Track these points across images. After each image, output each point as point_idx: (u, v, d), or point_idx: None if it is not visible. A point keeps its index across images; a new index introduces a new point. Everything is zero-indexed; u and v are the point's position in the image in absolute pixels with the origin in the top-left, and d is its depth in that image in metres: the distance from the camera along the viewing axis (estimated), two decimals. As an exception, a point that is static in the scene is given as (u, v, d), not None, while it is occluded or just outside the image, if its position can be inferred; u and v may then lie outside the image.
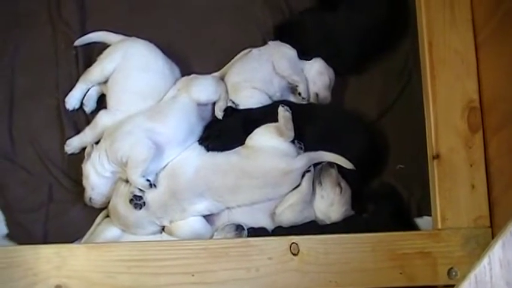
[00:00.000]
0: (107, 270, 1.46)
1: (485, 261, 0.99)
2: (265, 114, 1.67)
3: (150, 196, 1.60)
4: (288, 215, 1.61)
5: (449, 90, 1.60)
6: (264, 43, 1.81)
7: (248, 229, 1.61)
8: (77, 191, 1.70)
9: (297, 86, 1.75)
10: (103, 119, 1.69)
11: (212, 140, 1.65)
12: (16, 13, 1.84)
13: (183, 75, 1.76)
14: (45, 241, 1.66)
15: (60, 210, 1.71)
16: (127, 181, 1.62)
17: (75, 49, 1.81)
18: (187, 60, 1.81)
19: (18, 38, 1.82)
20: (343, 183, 1.66)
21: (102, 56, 1.75)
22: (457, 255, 1.49)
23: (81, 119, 1.77)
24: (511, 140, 1.44)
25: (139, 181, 1.58)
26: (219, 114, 1.70)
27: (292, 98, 1.77)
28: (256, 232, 1.60)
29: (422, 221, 1.68)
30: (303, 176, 1.62)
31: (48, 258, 1.46)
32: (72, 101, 1.76)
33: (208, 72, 1.78)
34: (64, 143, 1.73)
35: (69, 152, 1.73)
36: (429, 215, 1.62)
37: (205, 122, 1.70)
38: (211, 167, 1.62)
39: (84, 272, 1.46)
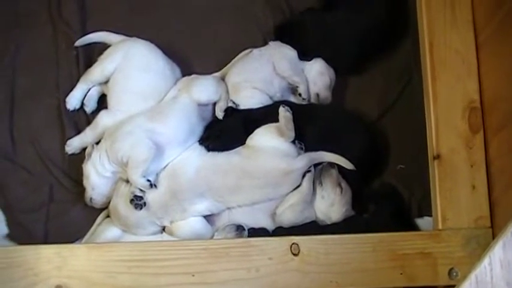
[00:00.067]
0: (107, 270, 1.46)
1: (485, 261, 0.99)
2: (265, 115, 1.68)
3: (150, 196, 1.60)
4: (288, 215, 1.61)
5: (450, 91, 1.60)
6: (265, 43, 1.81)
7: (249, 229, 1.61)
8: (77, 191, 1.70)
9: (297, 86, 1.75)
10: (104, 119, 1.69)
11: (213, 140, 1.65)
12: (17, 13, 1.84)
13: (183, 75, 1.76)
14: (46, 241, 1.66)
15: (61, 210, 1.71)
16: (127, 181, 1.62)
17: (75, 49, 1.81)
18: (188, 60, 1.81)
19: (18, 38, 1.82)
20: (344, 184, 1.66)
21: (102, 56, 1.75)
22: (457, 255, 1.49)
23: (82, 119, 1.77)
24: (512, 140, 1.44)
25: (139, 181, 1.58)
26: (220, 114, 1.70)
27: (292, 99, 1.77)
28: (257, 232, 1.60)
29: (422, 222, 1.68)
30: (303, 176, 1.62)
31: (48, 258, 1.46)
32: (72, 101, 1.76)
33: (208, 72, 1.78)
34: (65, 143, 1.73)
35: (69, 152, 1.73)
36: (430, 215, 1.62)
37: (206, 122, 1.70)
38: (211, 167, 1.62)
39: (84, 272, 1.46)
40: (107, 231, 1.65)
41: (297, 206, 1.61)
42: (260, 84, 1.73)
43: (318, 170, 1.66)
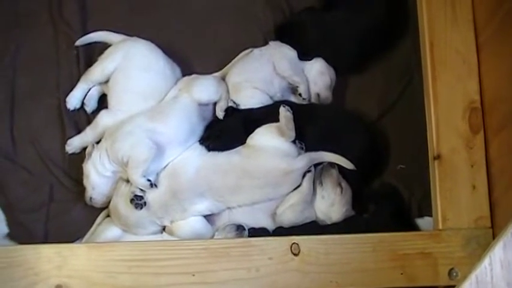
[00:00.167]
0: (107, 270, 1.46)
1: (486, 261, 0.99)
2: (266, 114, 1.68)
3: (150, 196, 1.60)
4: (288, 215, 1.61)
5: (450, 91, 1.60)
6: (265, 43, 1.81)
7: (249, 229, 1.61)
8: (77, 191, 1.70)
9: (297, 86, 1.75)
10: (104, 119, 1.69)
11: (213, 140, 1.65)
12: (17, 13, 1.84)
13: (184, 75, 1.76)
14: (46, 241, 1.66)
15: (61, 209, 1.71)
16: (128, 181, 1.62)
17: (76, 49, 1.81)
18: (188, 60, 1.81)
19: (19, 38, 1.82)
20: (344, 184, 1.66)
21: (103, 56, 1.75)
22: (457, 255, 1.49)
23: (82, 118, 1.77)
24: (512, 140, 1.44)
25: (140, 181, 1.58)
26: (220, 114, 1.70)
27: (292, 99, 1.77)
28: (257, 232, 1.60)
29: (423, 222, 1.68)
30: (303, 176, 1.62)
31: (49, 257, 1.46)
32: (73, 100, 1.76)
33: (209, 72, 1.78)
34: (65, 142, 1.73)
35: (70, 152, 1.73)
36: (430, 215, 1.62)
37: (206, 122, 1.70)
38: (212, 167, 1.62)
39: (84, 271, 1.46)
40: (107, 230, 1.65)
41: (297, 206, 1.61)
42: (260, 84, 1.73)
43: (318, 170, 1.66)
